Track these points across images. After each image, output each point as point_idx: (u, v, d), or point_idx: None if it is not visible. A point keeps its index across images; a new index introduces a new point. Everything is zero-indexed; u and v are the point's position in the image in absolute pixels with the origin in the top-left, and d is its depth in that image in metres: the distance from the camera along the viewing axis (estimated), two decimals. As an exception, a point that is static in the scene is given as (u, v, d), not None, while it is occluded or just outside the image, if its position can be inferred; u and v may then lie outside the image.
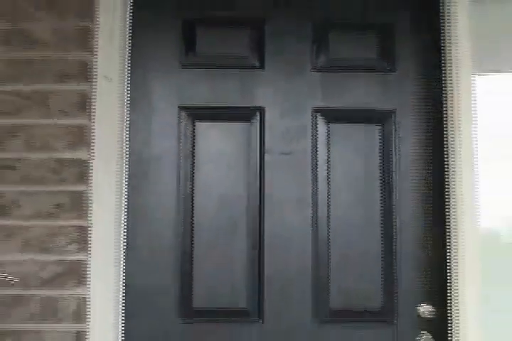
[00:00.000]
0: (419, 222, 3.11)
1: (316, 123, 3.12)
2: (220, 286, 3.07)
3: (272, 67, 3.20)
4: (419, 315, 3.01)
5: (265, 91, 3.18)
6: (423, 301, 3.04)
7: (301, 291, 3.06)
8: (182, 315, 3.02)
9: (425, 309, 2.97)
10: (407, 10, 3.21)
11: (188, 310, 3.03)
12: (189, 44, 3.20)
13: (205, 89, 3.17)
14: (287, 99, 3.18)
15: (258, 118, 3.16)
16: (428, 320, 3.02)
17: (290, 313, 3.04)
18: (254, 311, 3.03)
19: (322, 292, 3.05)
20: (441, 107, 3.12)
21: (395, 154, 3.12)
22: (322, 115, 3.13)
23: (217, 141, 3.14)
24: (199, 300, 3.03)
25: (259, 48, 3.23)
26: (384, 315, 3.05)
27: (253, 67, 3.22)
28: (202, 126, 3.14)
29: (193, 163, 3.13)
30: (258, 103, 3.16)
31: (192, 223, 3.10)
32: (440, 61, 3.16)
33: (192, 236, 3.09)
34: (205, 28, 3.22)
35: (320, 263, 3.07)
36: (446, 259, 3.10)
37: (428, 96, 3.10)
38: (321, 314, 3.03)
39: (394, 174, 3.08)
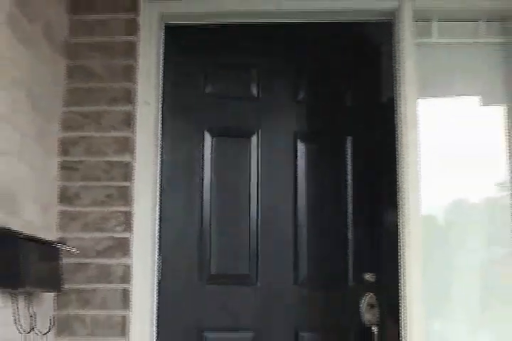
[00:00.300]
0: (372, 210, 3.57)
1: (296, 142, 3.59)
2: (230, 258, 3.48)
3: (265, 98, 3.64)
4: (365, 280, 3.46)
5: (260, 115, 3.62)
6: (368, 270, 3.48)
7: (286, 262, 3.49)
8: (201, 279, 3.40)
9: (369, 276, 3.44)
10: (365, 56, 3.64)
11: (206, 275, 3.42)
12: (207, 79, 3.58)
13: (219, 112, 3.55)
14: (275, 122, 3.63)
15: (256, 135, 3.60)
16: (371, 284, 3.46)
17: (278, 277, 3.48)
18: (253, 276, 3.45)
19: (300, 263, 3.49)
20: (394, 126, 3.32)
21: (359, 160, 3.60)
22: (300, 136, 3.60)
23: (228, 151, 3.55)
24: (214, 268, 3.43)
25: (256, 83, 3.65)
26: (341, 279, 3.51)
27: (252, 97, 3.64)
28: (217, 140, 3.54)
29: (211, 166, 3.51)
30: (256, 123, 3.61)
31: (210, 210, 3.48)
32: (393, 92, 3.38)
33: (210, 221, 3.47)
34: (218, 68, 3.61)
35: (298, 242, 3.51)
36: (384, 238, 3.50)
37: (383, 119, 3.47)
38: (300, 278, 3.48)
39: (351, 175, 3.56)
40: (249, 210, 3.54)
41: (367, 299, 3.45)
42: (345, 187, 3.59)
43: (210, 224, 3.49)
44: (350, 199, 3.58)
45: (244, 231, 3.51)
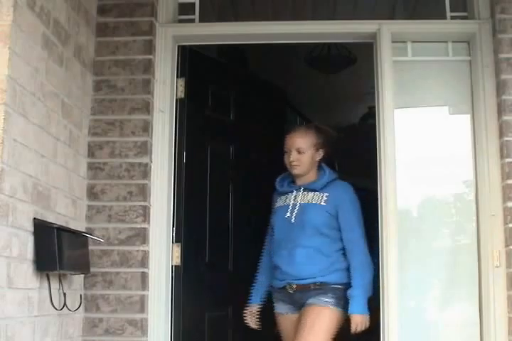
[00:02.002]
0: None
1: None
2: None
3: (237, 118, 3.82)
4: None
5: (233, 132, 3.80)
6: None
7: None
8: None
9: None
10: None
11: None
12: (203, 105, 3.68)
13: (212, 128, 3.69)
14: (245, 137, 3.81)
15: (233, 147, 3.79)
16: None
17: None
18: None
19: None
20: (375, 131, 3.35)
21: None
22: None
23: (220, 155, 3.73)
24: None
25: (230, 110, 3.81)
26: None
27: (228, 119, 3.79)
28: (216, 145, 3.69)
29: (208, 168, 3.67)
30: (230, 138, 3.79)
31: (210, 202, 3.64)
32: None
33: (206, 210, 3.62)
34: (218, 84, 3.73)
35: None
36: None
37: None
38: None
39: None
40: (231, 203, 3.78)
41: None
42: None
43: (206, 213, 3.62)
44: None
45: (227, 217, 3.80)
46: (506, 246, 3.14)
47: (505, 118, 3.20)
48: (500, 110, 3.22)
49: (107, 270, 3.18)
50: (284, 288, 3.26)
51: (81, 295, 3.10)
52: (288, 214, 3.28)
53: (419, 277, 3.32)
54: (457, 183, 3.40)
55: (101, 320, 3.15)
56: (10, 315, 2.42)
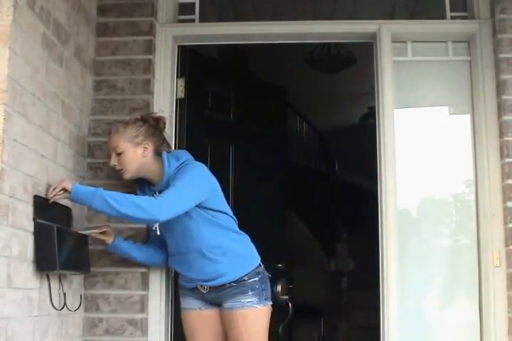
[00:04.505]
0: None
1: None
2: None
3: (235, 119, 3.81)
4: (279, 268, 3.58)
5: (232, 132, 3.78)
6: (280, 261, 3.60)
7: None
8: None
9: (282, 266, 3.55)
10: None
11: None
12: (203, 105, 3.67)
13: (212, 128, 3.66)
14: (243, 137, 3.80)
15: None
16: (283, 271, 3.61)
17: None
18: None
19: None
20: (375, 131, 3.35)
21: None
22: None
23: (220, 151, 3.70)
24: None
25: (230, 110, 3.79)
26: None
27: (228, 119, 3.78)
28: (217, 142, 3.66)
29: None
30: (231, 138, 3.77)
31: None
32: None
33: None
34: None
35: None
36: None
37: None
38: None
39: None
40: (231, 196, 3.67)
41: (281, 282, 3.49)
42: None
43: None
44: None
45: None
46: (506, 246, 3.14)
47: (505, 118, 3.21)
48: (500, 110, 3.23)
49: (107, 270, 3.17)
50: (195, 288, 2.97)
51: (81, 295, 3.09)
52: (153, 226, 2.95)
53: (419, 277, 3.32)
54: (457, 183, 3.40)
55: (101, 320, 3.15)
56: (10, 315, 2.42)
